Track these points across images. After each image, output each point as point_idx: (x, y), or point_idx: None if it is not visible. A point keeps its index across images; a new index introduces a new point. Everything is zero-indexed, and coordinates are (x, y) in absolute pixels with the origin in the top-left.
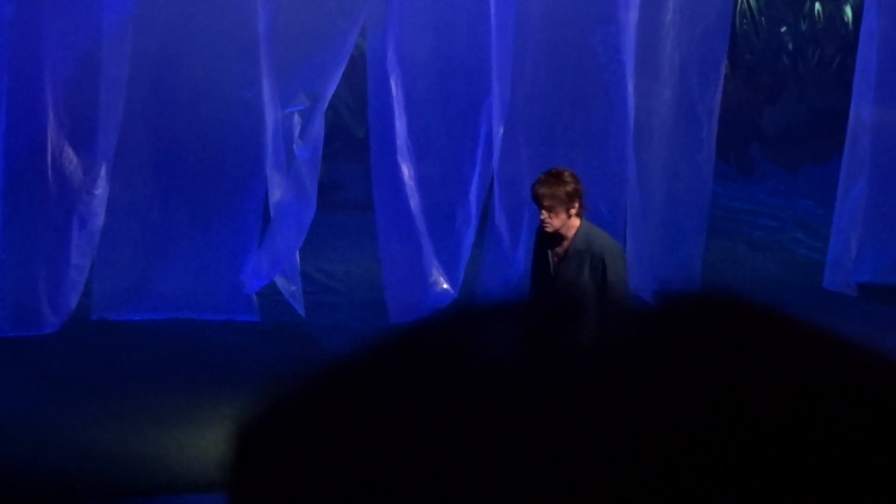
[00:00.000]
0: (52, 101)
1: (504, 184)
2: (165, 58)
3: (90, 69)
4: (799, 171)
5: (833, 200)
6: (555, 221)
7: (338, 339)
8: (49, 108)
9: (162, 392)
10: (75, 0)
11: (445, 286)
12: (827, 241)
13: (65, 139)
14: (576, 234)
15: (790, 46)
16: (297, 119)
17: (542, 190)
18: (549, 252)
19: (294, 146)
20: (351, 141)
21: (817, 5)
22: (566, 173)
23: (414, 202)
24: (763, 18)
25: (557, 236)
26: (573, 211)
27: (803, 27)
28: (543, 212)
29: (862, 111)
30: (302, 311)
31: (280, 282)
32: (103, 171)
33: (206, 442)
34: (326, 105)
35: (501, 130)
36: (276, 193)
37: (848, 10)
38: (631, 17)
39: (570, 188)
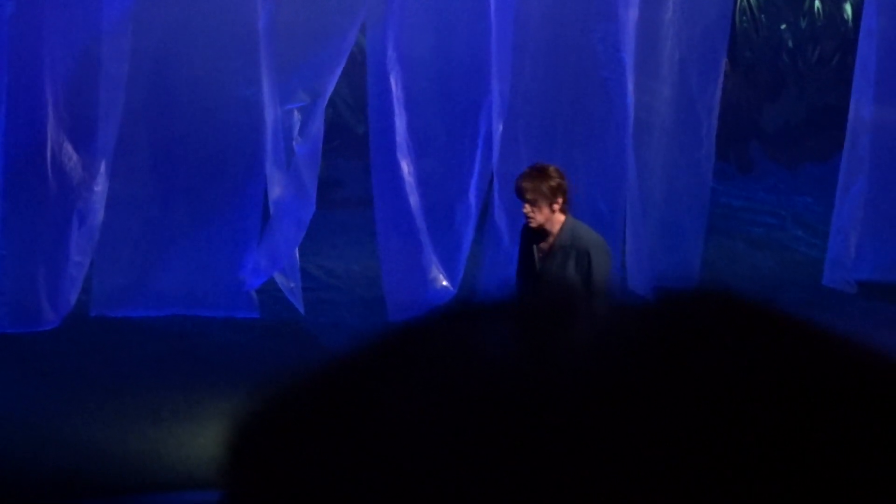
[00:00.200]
0: (52, 98)
1: (504, 181)
2: (165, 55)
3: (90, 66)
4: (798, 168)
5: (832, 198)
6: (538, 216)
7: (337, 336)
8: (49, 104)
9: (161, 389)
10: None
11: (445, 283)
12: (826, 238)
13: (64, 136)
14: (561, 229)
15: (790, 44)
16: (296, 116)
17: (525, 184)
18: (535, 248)
19: (294, 143)
20: (350, 138)
21: (817, 3)
22: (551, 168)
23: (413, 199)
24: (763, 16)
25: (543, 232)
26: (556, 206)
27: (803, 25)
28: (526, 206)
29: (861, 109)
30: (301, 308)
31: (279, 279)
32: (103, 168)
33: (205, 439)
34: (326, 102)
35: (501, 128)
36: (276, 190)
37: (847, 8)
38: (631, 15)
39: (553, 183)
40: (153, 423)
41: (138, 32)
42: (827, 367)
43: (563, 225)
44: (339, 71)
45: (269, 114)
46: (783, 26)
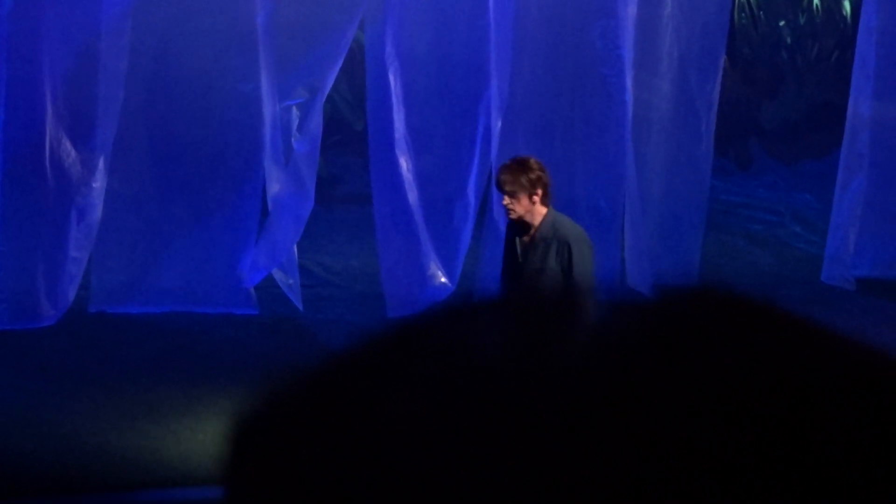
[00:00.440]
0: (51, 95)
1: None
2: (164, 51)
3: (89, 62)
4: (797, 165)
5: (831, 195)
6: (517, 208)
7: (336, 333)
8: (47, 101)
9: (160, 385)
10: None
11: (443, 280)
12: (825, 235)
13: (63, 132)
14: (542, 221)
15: (789, 41)
16: (295, 112)
17: (504, 176)
18: (517, 240)
19: (292, 139)
20: (349, 134)
21: (816, 0)
22: (532, 161)
23: (412, 196)
24: (762, 13)
25: (525, 225)
26: (536, 198)
27: (802, 21)
28: (505, 198)
29: (860, 105)
30: (300, 305)
31: (278, 275)
32: (101, 165)
33: (203, 435)
34: (325, 98)
35: (500, 124)
36: (275, 187)
37: (846, 5)
38: (630, 12)
39: (533, 175)
40: (152, 420)
41: (137, 29)
42: (825, 364)
43: (545, 217)
44: (337, 67)
45: (268, 110)
46: (782, 23)
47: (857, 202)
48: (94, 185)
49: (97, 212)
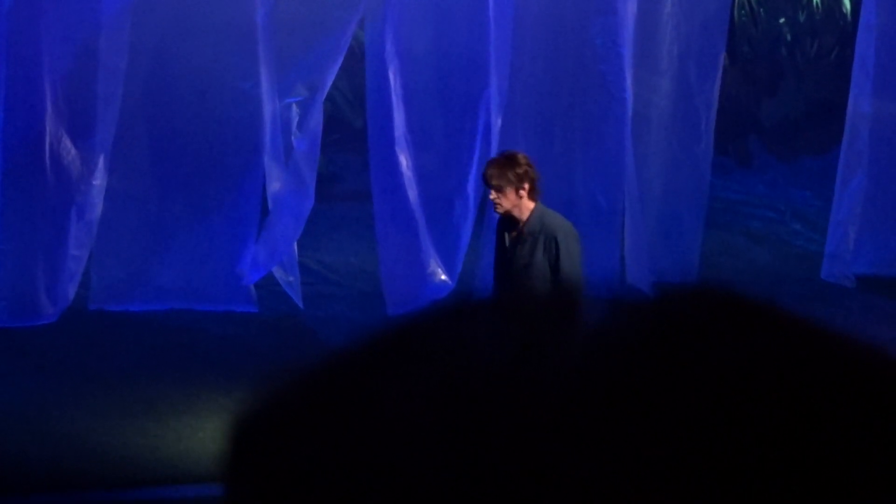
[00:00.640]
0: (51, 92)
1: None
2: (164, 49)
3: (88, 60)
4: (797, 162)
5: (831, 192)
6: (504, 202)
7: (336, 331)
8: (47, 98)
9: (160, 383)
10: None
11: (443, 277)
12: (825, 232)
13: (63, 130)
14: (530, 216)
15: (788, 38)
16: (295, 110)
17: (491, 170)
18: (506, 236)
19: (292, 137)
20: (349, 132)
21: None
22: (519, 155)
23: (412, 193)
24: (761, 10)
25: (513, 220)
26: (523, 192)
27: (802, 19)
28: (492, 192)
29: (860, 103)
30: (300, 303)
31: (278, 273)
32: (101, 162)
33: (203, 433)
34: (325, 96)
35: (500, 122)
36: (275, 185)
37: (846, 2)
38: (629, 9)
39: (520, 170)
40: (152, 417)
41: (137, 26)
42: (823, 363)
43: (533, 212)
44: (337, 64)
45: (268, 108)
46: (782, 20)
47: (857, 199)
48: (93, 182)
49: (97, 209)
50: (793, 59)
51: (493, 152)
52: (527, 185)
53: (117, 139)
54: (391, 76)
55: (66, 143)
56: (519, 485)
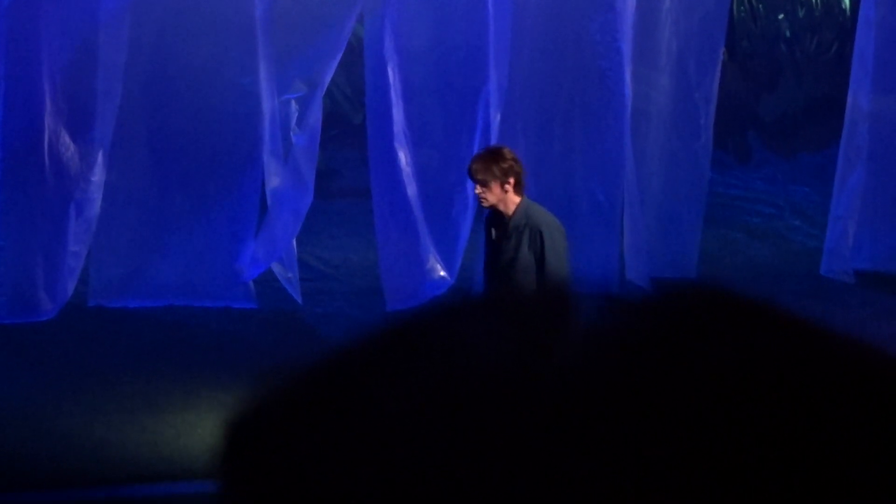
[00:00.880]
0: (50, 88)
1: None
2: (163, 45)
3: (87, 56)
4: (796, 158)
5: (830, 188)
6: (489, 196)
7: (335, 327)
8: (46, 94)
9: (158, 379)
10: None
11: (442, 273)
12: (824, 228)
13: (62, 126)
14: (515, 210)
15: (788, 34)
16: (294, 106)
17: (476, 165)
18: (493, 230)
19: (291, 133)
20: (348, 128)
21: None
22: (504, 150)
23: (411, 189)
24: (760, 6)
25: (500, 215)
26: (508, 187)
27: (801, 14)
28: (477, 186)
29: (859, 99)
30: (299, 299)
31: (277, 269)
32: (100, 158)
33: (202, 429)
34: (324, 93)
35: (499, 118)
36: (274, 181)
37: None
38: (628, 5)
39: (505, 164)
40: (150, 413)
41: (136, 22)
42: (820, 359)
43: (518, 206)
44: (336, 60)
45: (267, 104)
46: (781, 16)
47: (856, 195)
48: (92, 179)
49: (96, 206)
50: (792, 55)
51: None
52: (512, 180)
53: (116, 135)
54: (390, 72)
55: (65, 139)
56: (517, 481)
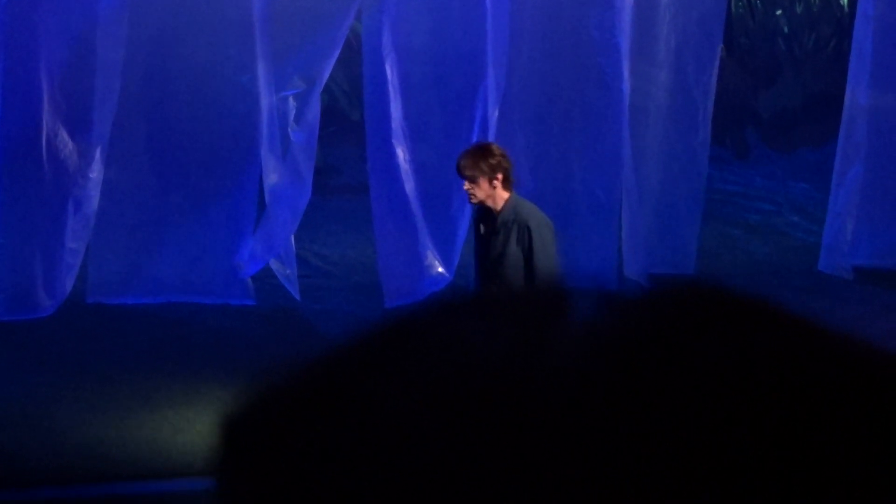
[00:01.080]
0: (48, 85)
1: None
2: (161, 42)
3: (85, 52)
4: (795, 154)
5: (829, 183)
6: (477, 192)
7: (333, 323)
8: (44, 91)
9: (157, 376)
10: None
11: (441, 270)
12: (823, 224)
13: (60, 122)
14: (504, 206)
15: (786, 30)
16: (292, 103)
17: (464, 161)
18: (482, 226)
19: (289, 130)
20: (346, 125)
21: None
22: (493, 146)
23: (409, 186)
24: (759, 2)
25: (488, 211)
26: (497, 182)
27: (799, 10)
28: (466, 183)
29: (858, 94)
30: (297, 295)
31: (275, 266)
32: (98, 155)
33: (201, 426)
34: (322, 89)
35: (497, 114)
36: (272, 177)
37: None
38: (627, 1)
39: (493, 160)
40: (149, 410)
41: (134, 19)
42: (819, 356)
43: (506, 202)
44: (334, 58)
45: (265, 101)
46: (779, 12)
47: (855, 191)
48: (90, 175)
49: (94, 202)
50: (790, 51)
51: None
52: (500, 176)
53: (114, 132)
54: (388, 69)
55: (63, 136)
56: (516, 478)
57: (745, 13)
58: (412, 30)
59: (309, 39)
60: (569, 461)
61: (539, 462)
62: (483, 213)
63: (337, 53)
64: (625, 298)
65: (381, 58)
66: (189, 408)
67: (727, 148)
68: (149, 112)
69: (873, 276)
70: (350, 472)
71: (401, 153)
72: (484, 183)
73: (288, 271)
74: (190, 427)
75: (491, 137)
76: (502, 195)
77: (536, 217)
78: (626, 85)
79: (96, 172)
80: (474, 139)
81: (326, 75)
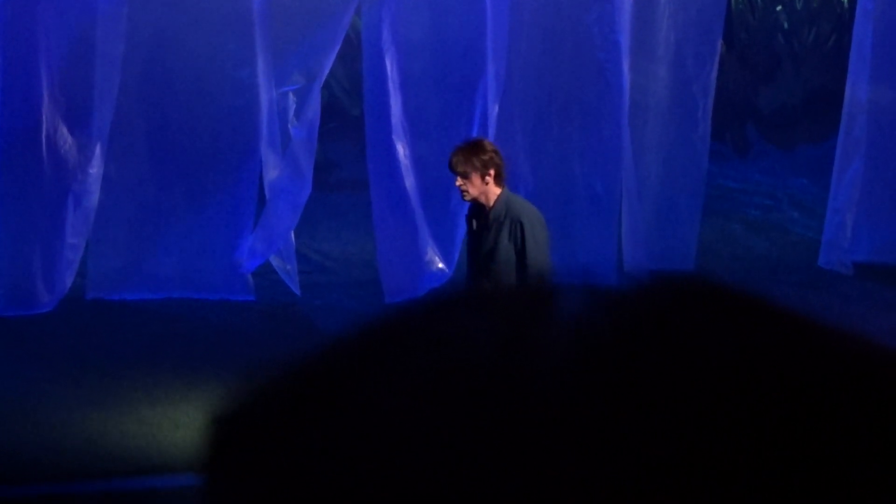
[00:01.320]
0: (47, 81)
1: None
2: (160, 37)
3: (85, 48)
4: (794, 150)
5: (829, 179)
6: (470, 188)
7: (333, 319)
8: (44, 87)
9: (157, 371)
10: None
11: (440, 265)
12: (822, 220)
13: (59, 118)
14: (496, 201)
15: (786, 25)
16: (292, 99)
17: (456, 157)
18: (474, 222)
19: (289, 126)
20: (346, 120)
21: None
22: (485, 142)
23: (409, 181)
24: None
25: (481, 207)
26: (489, 178)
27: (799, 6)
28: (458, 179)
29: (858, 90)
30: (297, 291)
31: (275, 261)
32: (98, 150)
33: (201, 421)
34: (322, 85)
35: (497, 109)
36: (272, 173)
37: None
38: None
39: (485, 156)
40: (149, 405)
41: (134, 14)
42: (818, 352)
43: (498, 198)
44: (334, 53)
45: (265, 96)
46: (779, 8)
47: (855, 187)
48: (90, 171)
49: (94, 198)
50: (790, 47)
51: (491, 140)
52: (492, 172)
53: (114, 128)
54: (388, 64)
55: (63, 131)
56: (513, 474)
57: (745, 9)
58: (412, 25)
59: (309, 35)
60: (566, 456)
61: (536, 456)
62: (474, 208)
63: (337, 49)
64: (624, 294)
65: (380, 53)
66: (189, 403)
67: (727, 144)
68: (148, 108)
69: (873, 271)
70: (350, 467)
71: (401, 149)
72: (476, 179)
73: (288, 267)
74: (190, 423)
75: (490, 133)
76: (494, 191)
77: (528, 212)
78: (626, 81)
79: (96, 168)
80: (474, 135)
81: (326, 71)
